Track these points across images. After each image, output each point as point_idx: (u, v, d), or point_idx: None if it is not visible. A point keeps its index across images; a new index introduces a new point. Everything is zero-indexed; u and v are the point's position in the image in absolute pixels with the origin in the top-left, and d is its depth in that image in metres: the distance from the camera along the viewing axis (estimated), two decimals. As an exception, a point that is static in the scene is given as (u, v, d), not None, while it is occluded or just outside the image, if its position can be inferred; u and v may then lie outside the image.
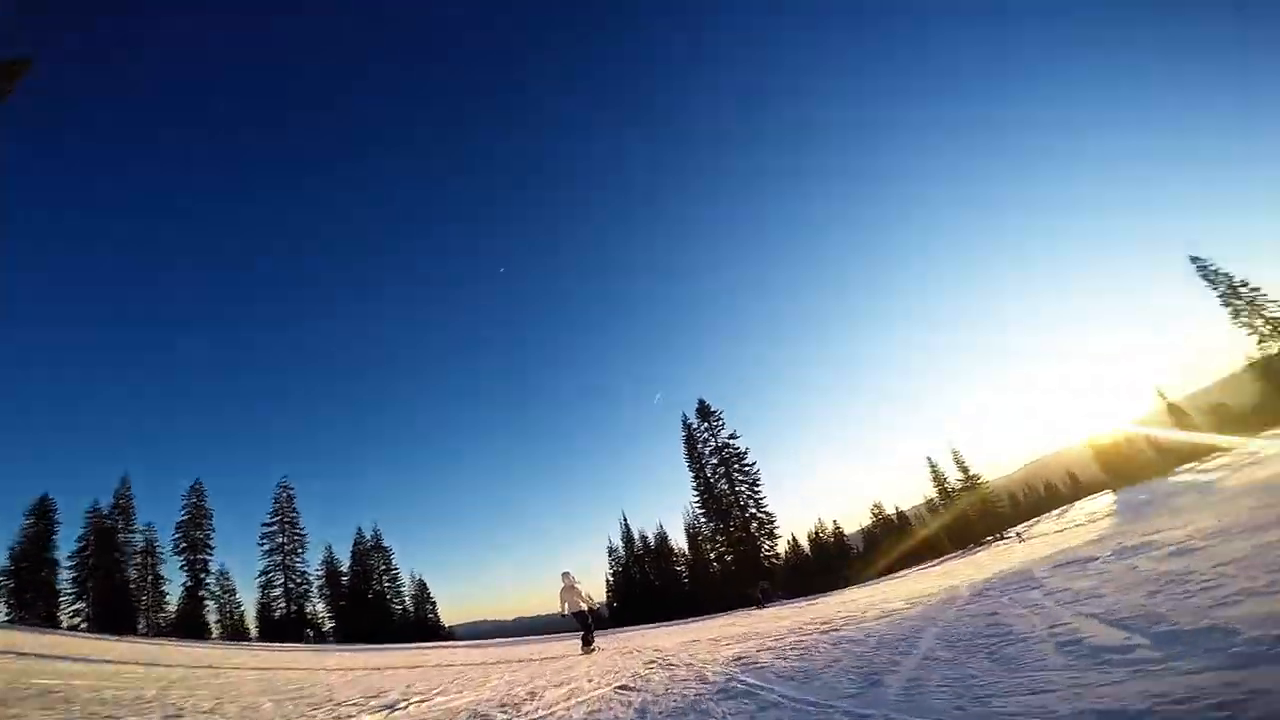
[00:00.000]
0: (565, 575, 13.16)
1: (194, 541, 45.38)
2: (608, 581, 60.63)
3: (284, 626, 43.66)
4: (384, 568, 52.22)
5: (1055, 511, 56.48)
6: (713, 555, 49.54)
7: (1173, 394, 65.09)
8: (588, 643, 12.62)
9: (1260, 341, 50.29)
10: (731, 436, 48.26)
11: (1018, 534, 40.74)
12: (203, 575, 44.71)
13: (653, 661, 7.31)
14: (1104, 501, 39.69)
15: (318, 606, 47.70)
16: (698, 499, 48.80)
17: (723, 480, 47.73)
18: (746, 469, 47.32)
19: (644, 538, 57.27)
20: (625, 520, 57.94)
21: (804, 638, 6.77)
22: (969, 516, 54.89)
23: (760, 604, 33.23)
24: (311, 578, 48.01)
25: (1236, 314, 50.65)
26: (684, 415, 50.50)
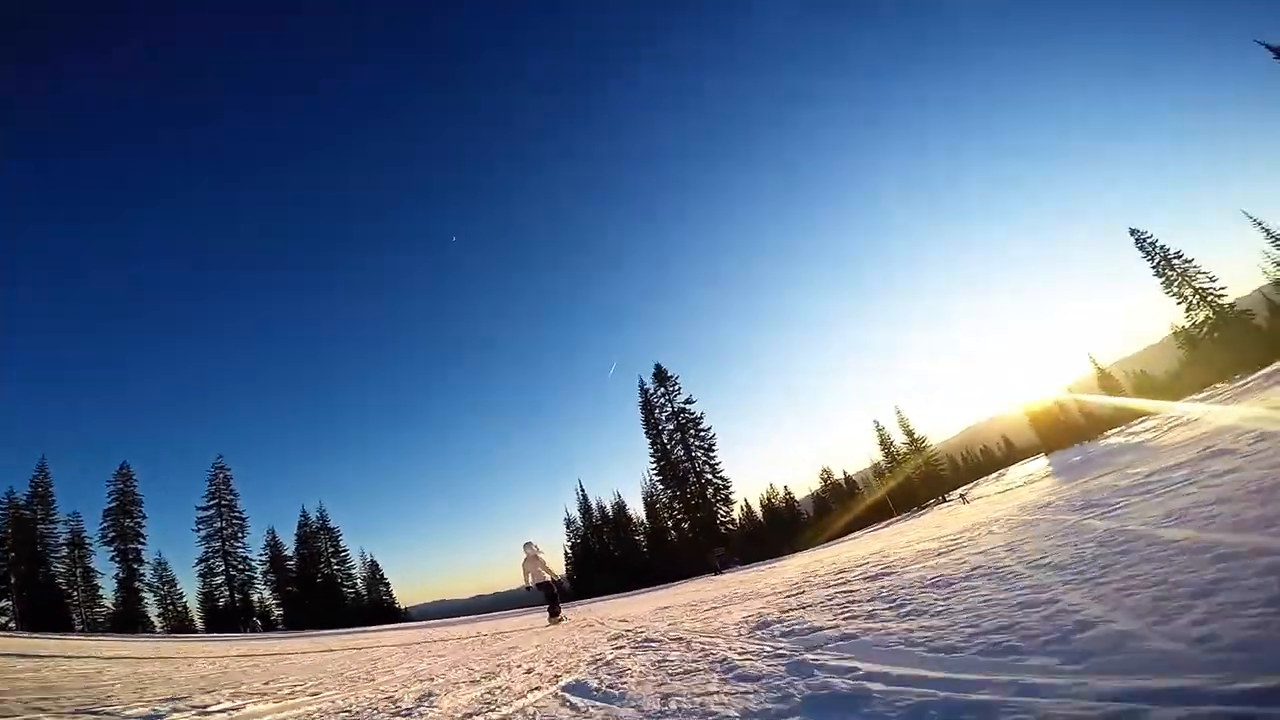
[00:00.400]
0: (528, 545, 12.74)
1: (124, 530, 42.69)
2: (566, 554, 60.17)
3: (229, 616, 41.70)
4: (332, 550, 50.43)
5: (993, 475, 58.61)
6: (670, 523, 49.55)
7: (1104, 361, 68.64)
8: (554, 614, 12.18)
9: (1188, 310, 52.52)
10: (688, 401, 48.02)
11: (961, 495, 41.76)
12: (136, 566, 42.15)
13: (621, 637, 5.96)
14: (1039, 464, 41.24)
15: (263, 593, 45.84)
16: (655, 466, 48.54)
17: (679, 446, 47.50)
18: (702, 434, 47.20)
19: (601, 508, 56.86)
20: (582, 490, 57.53)
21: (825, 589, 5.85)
22: (913, 480, 56.66)
23: (717, 570, 33.30)
24: (255, 563, 46.03)
25: (1169, 284, 52.74)
26: (641, 380, 49.89)
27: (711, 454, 46.89)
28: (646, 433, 48.70)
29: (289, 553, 48.82)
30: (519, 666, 5.21)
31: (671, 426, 47.79)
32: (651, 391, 49.09)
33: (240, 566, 44.58)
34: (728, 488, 46.51)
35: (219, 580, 43.77)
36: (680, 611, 7.70)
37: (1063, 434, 55.13)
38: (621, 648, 5.14)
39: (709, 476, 46.57)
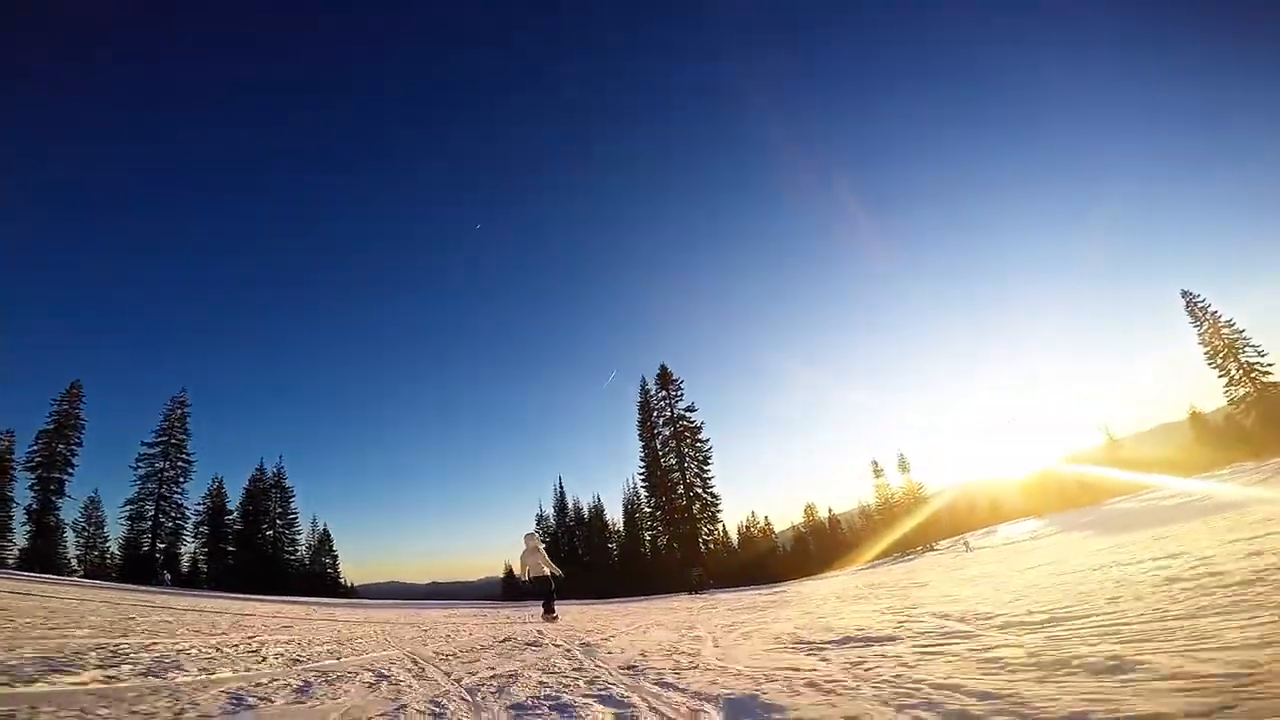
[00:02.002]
0: (529, 536, 12.13)
1: (53, 456, 38.40)
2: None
3: (143, 565, 37.30)
4: (280, 510, 46.19)
5: (980, 531, 56.20)
6: (649, 535, 45.80)
7: (1117, 431, 66.73)
8: (549, 611, 11.45)
9: (1229, 384, 49.52)
10: (689, 409, 44.30)
11: (965, 542, 38.47)
12: (55, 498, 37.77)
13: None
14: (1030, 525, 39.50)
15: (191, 547, 41.59)
16: (643, 471, 44.76)
17: (672, 455, 43.74)
18: (699, 445, 43.46)
19: (578, 508, 53.15)
20: (560, 485, 53.50)
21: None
22: (904, 525, 53.68)
23: (695, 590, 29.76)
24: (190, 513, 41.78)
25: (1214, 355, 49.75)
26: (643, 380, 46.29)
27: (705, 467, 43.16)
28: (640, 435, 45.03)
29: (231, 507, 44.57)
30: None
31: (668, 433, 44.07)
32: (652, 393, 45.48)
33: (174, 513, 40.37)
34: (717, 505, 42.79)
35: (146, 525, 39.47)
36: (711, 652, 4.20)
37: (1054, 500, 53.18)
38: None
39: (699, 490, 42.79)
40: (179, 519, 40.68)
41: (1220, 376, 49.52)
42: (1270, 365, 47.70)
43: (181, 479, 41.18)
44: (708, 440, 43.40)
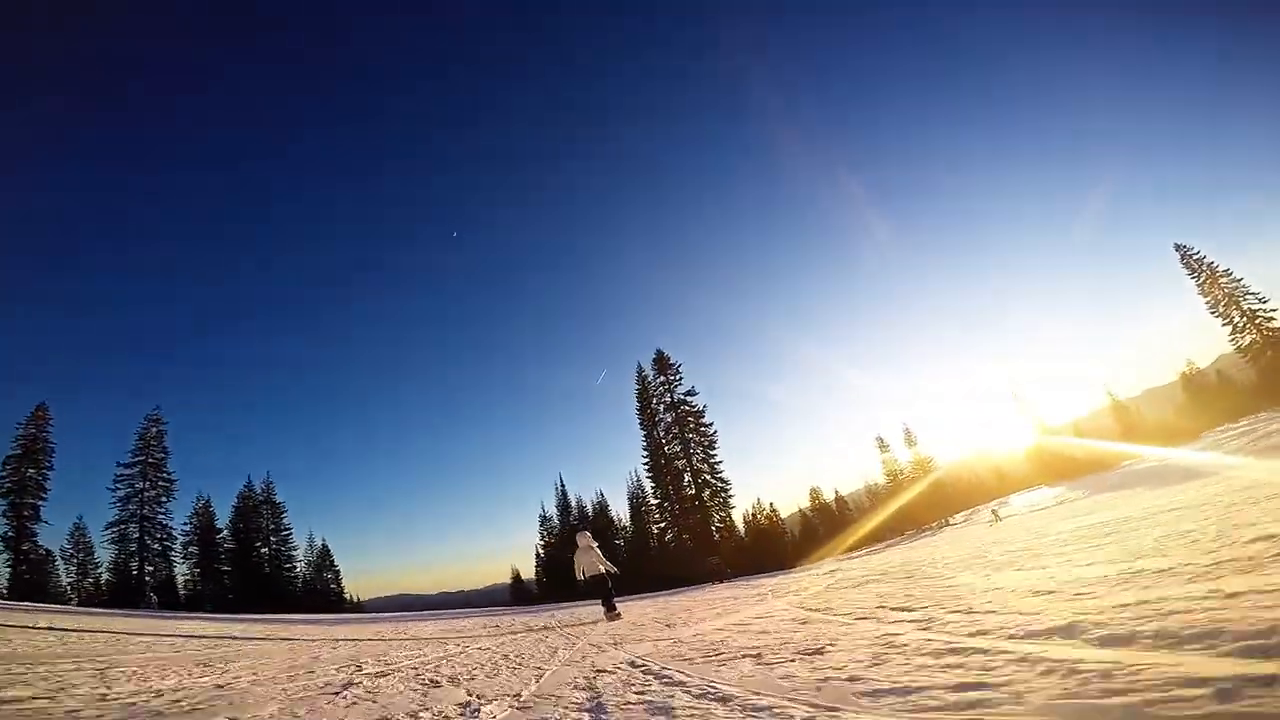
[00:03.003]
0: (581, 535, 12.18)
1: (24, 481, 36.50)
2: (538, 554, 54.86)
3: (131, 590, 35.52)
4: (273, 527, 44.43)
5: (993, 503, 55.18)
6: (658, 527, 44.29)
7: (1121, 392, 66.20)
8: (610, 609, 11.10)
9: (1234, 333, 48.84)
10: (689, 393, 42.75)
11: (993, 511, 37.02)
12: (29, 525, 35.88)
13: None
14: (1049, 492, 38.29)
15: (179, 568, 39.77)
16: (647, 461, 43.23)
17: (675, 442, 42.21)
18: (703, 429, 41.94)
19: (581, 506, 51.66)
20: (562, 484, 52.00)
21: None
22: (914, 500, 52.45)
23: (719, 579, 28.26)
24: (176, 533, 39.95)
25: (1215, 304, 49.11)
26: (639, 366, 44.70)
27: (711, 452, 41.64)
28: (641, 423, 43.47)
29: (220, 525, 42.78)
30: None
31: (669, 419, 42.52)
32: (650, 380, 43.91)
33: (159, 534, 38.51)
34: (727, 490, 41.27)
35: (132, 549, 37.65)
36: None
37: (1060, 468, 52.37)
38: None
39: (707, 476, 41.26)
40: (165, 540, 38.84)
41: (1224, 325, 48.81)
42: (1274, 310, 47.05)
43: (164, 499, 39.37)
44: (711, 424, 42.00)
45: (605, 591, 11.38)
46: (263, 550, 43.53)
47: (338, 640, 8.98)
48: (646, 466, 43.20)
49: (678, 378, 42.89)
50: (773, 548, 49.67)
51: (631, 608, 13.83)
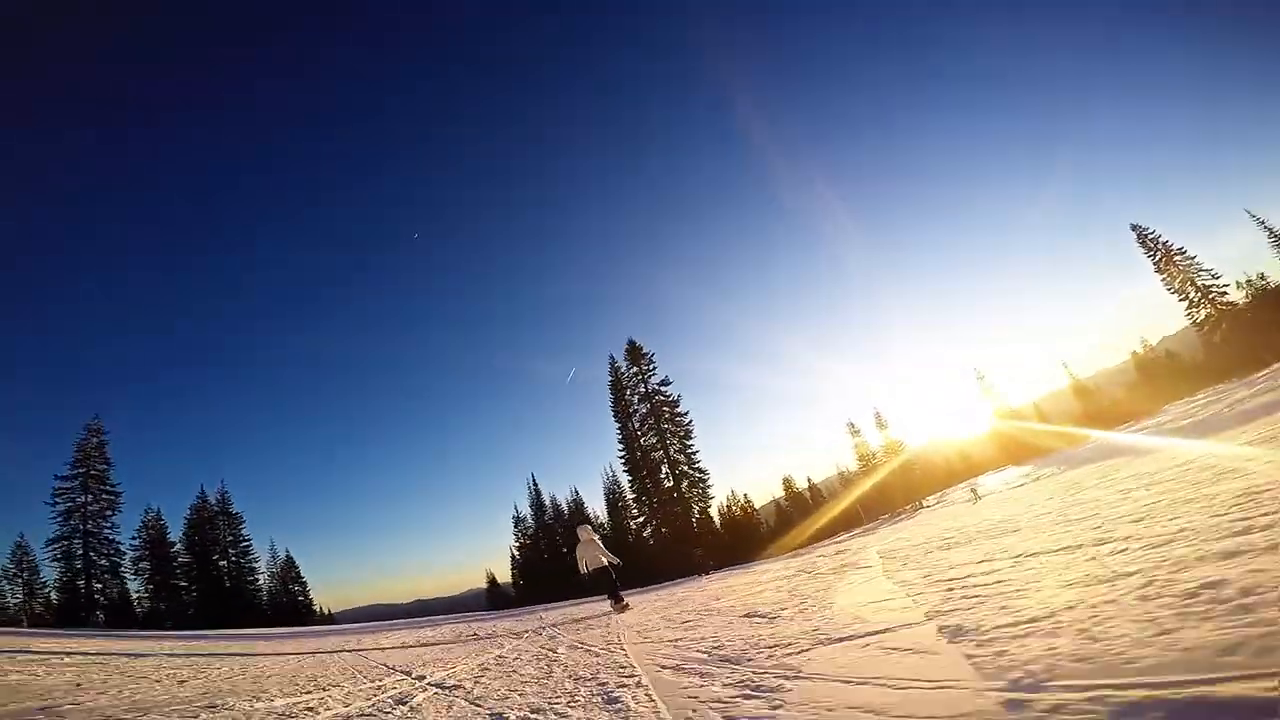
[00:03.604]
0: (584, 528, 12.26)
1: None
2: (513, 556, 53.51)
3: (76, 609, 33.16)
4: (231, 539, 42.17)
5: (963, 484, 55.91)
6: (636, 522, 43.36)
7: (1081, 372, 68.03)
8: (618, 600, 11.00)
9: (1190, 308, 50.36)
10: (663, 383, 41.85)
11: (973, 490, 37.03)
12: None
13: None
14: (1019, 471, 38.64)
15: (131, 584, 37.39)
16: (622, 454, 42.18)
17: (651, 433, 41.28)
18: (679, 418, 41.09)
19: (556, 505, 50.42)
20: (534, 484, 50.73)
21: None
22: (886, 484, 52.76)
23: (705, 571, 27.49)
24: (125, 548, 37.50)
25: (1171, 282, 50.63)
26: (611, 358, 43.57)
27: (688, 442, 40.80)
28: (615, 416, 42.40)
29: (174, 539, 40.39)
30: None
31: (644, 410, 41.56)
32: (623, 371, 42.88)
33: (105, 549, 36.05)
34: (705, 480, 40.48)
35: (78, 565, 35.18)
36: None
37: (1021, 450, 53.35)
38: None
39: (684, 467, 40.43)
40: (113, 555, 36.40)
41: (1181, 301, 50.40)
42: (1226, 286, 48.88)
43: (109, 512, 36.87)
44: (687, 414, 41.14)
45: (610, 583, 11.35)
46: (221, 563, 41.26)
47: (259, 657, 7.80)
48: (622, 460, 42.23)
49: (651, 368, 42.02)
50: (748, 539, 49.29)
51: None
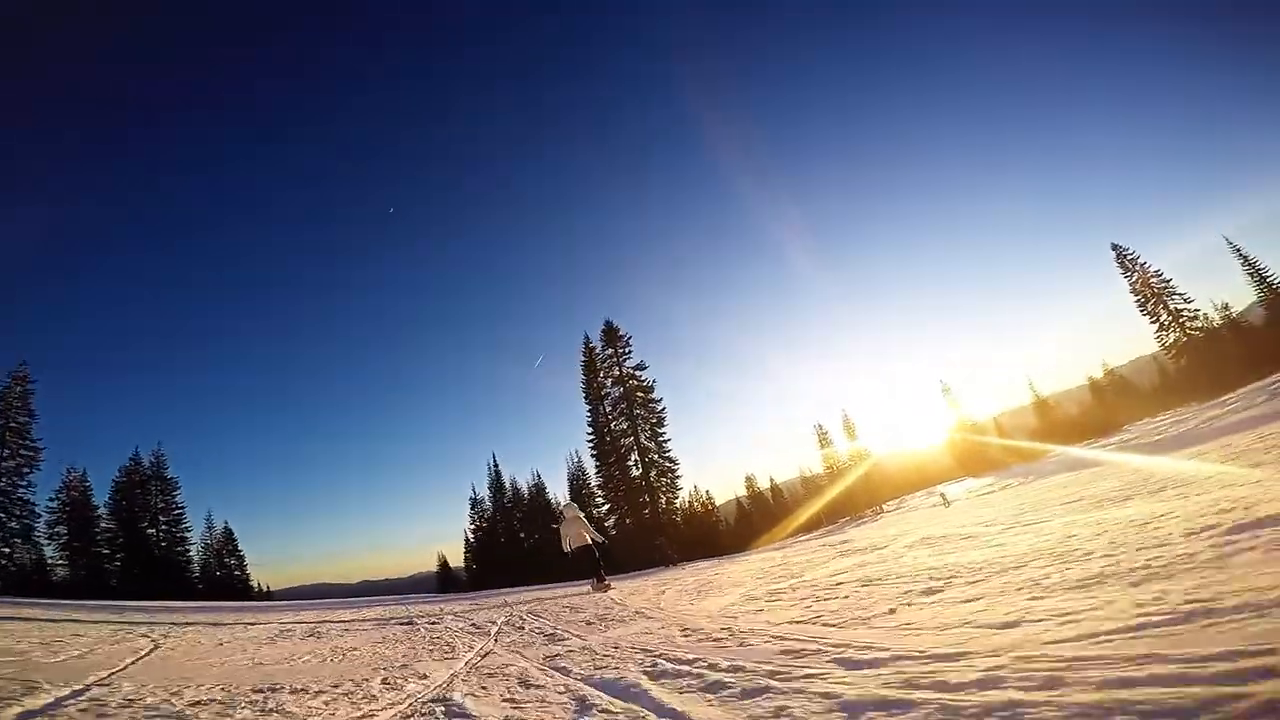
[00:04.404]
0: (568, 506, 12.19)
1: None
2: (467, 540, 51.33)
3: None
4: (163, 505, 39.14)
5: (921, 492, 56.30)
6: (600, 510, 41.78)
7: (1044, 389, 69.08)
8: (600, 580, 10.58)
9: (1160, 330, 50.94)
10: (638, 367, 40.33)
11: (942, 495, 36.61)
12: None
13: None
14: (979, 481, 38.58)
15: (45, 550, 34.27)
16: (591, 438, 40.55)
17: (623, 418, 39.74)
18: (652, 405, 39.62)
19: (515, 487, 48.37)
20: (495, 464, 48.52)
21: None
22: (848, 488, 52.64)
23: (671, 563, 26.10)
24: (40, 510, 34.36)
25: (1144, 303, 51.11)
26: (586, 338, 41.81)
27: (660, 430, 39.41)
28: (586, 398, 40.71)
29: (100, 504, 37.25)
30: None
31: (617, 393, 39.96)
32: (598, 351, 41.14)
33: (17, 511, 32.87)
34: (675, 470, 39.15)
35: (-9, 528, 31.96)
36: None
37: (979, 463, 53.85)
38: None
39: (655, 455, 39.03)
40: (25, 518, 33.22)
41: (1152, 323, 50.94)
42: (1197, 311, 49.42)
43: (26, 470, 33.67)
44: (661, 400, 39.72)
45: (593, 562, 11.10)
46: (150, 532, 38.22)
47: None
48: (590, 444, 40.58)
49: (627, 350, 40.42)
50: (708, 535, 48.30)
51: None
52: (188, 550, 40.30)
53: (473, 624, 6.36)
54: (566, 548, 11.60)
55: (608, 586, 10.38)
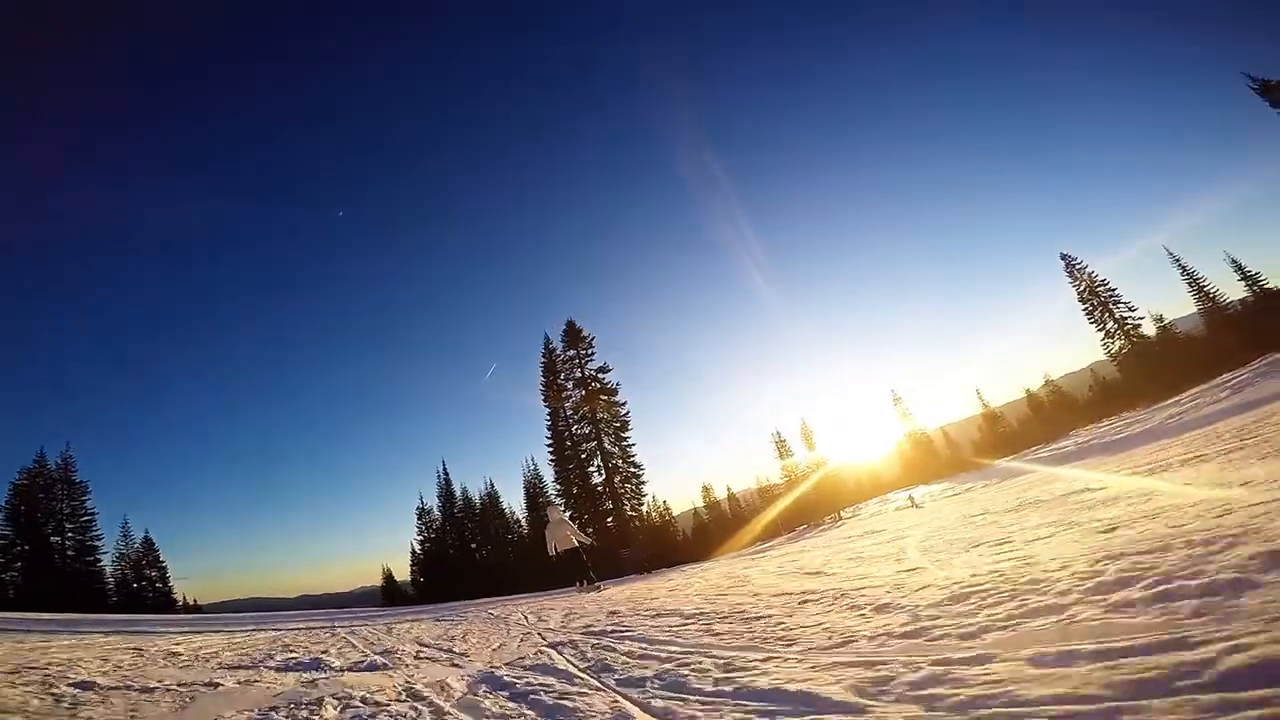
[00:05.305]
0: (553, 508, 13.04)
1: None
2: (413, 551, 48.37)
3: None
4: (69, 511, 35.24)
5: (874, 500, 56.77)
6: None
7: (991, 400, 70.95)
8: (590, 582, 10.61)
9: (1106, 338, 52.28)
10: (601, 369, 38.56)
11: (910, 498, 36.14)
12: None
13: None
14: (932, 488, 38.76)
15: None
16: (550, 443, 38.59)
17: (585, 422, 37.93)
18: (616, 408, 37.88)
19: (467, 496, 45.85)
20: (445, 472, 45.90)
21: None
22: (803, 497, 52.46)
23: (643, 570, 24.59)
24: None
25: (1091, 311, 52.40)
26: (546, 338, 39.85)
27: (624, 434, 37.73)
28: (545, 401, 38.69)
29: (-3, 509, 33.21)
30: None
31: (579, 395, 38.11)
32: (559, 353, 39.26)
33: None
34: (639, 476, 37.53)
35: None
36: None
37: (925, 472, 54.77)
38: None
39: (618, 461, 37.30)
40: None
41: (1098, 331, 52.26)
42: (1140, 319, 50.91)
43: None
44: (625, 403, 38.07)
45: (581, 565, 11.03)
46: (54, 539, 34.31)
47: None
48: (550, 449, 38.59)
49: (590, 351, 38.64)
50: (666, 545, 46.90)
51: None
52: (99, 560, 36.39)
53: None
54: (552, 551, 11.40)
55: (598, 587, 10.28)
